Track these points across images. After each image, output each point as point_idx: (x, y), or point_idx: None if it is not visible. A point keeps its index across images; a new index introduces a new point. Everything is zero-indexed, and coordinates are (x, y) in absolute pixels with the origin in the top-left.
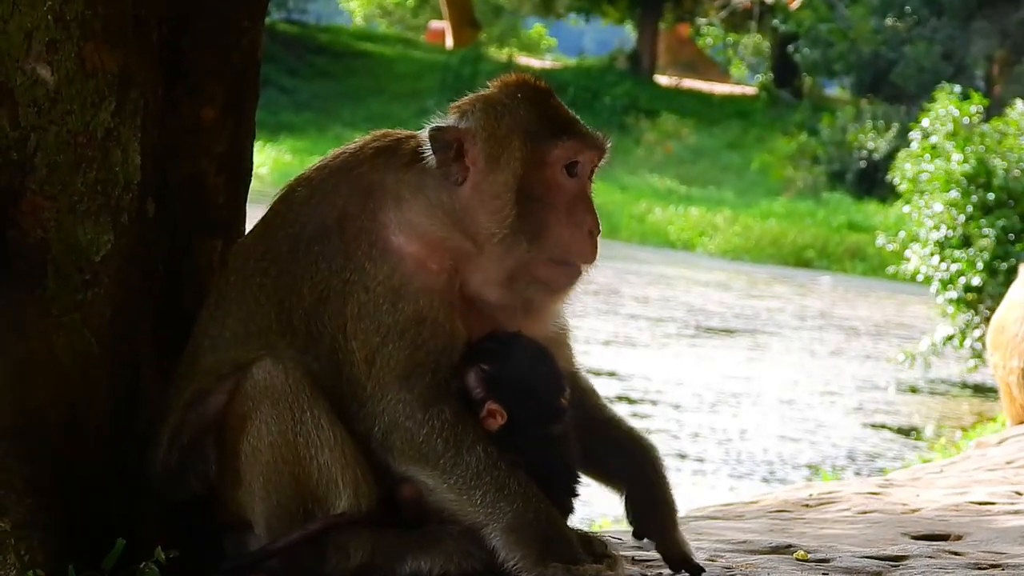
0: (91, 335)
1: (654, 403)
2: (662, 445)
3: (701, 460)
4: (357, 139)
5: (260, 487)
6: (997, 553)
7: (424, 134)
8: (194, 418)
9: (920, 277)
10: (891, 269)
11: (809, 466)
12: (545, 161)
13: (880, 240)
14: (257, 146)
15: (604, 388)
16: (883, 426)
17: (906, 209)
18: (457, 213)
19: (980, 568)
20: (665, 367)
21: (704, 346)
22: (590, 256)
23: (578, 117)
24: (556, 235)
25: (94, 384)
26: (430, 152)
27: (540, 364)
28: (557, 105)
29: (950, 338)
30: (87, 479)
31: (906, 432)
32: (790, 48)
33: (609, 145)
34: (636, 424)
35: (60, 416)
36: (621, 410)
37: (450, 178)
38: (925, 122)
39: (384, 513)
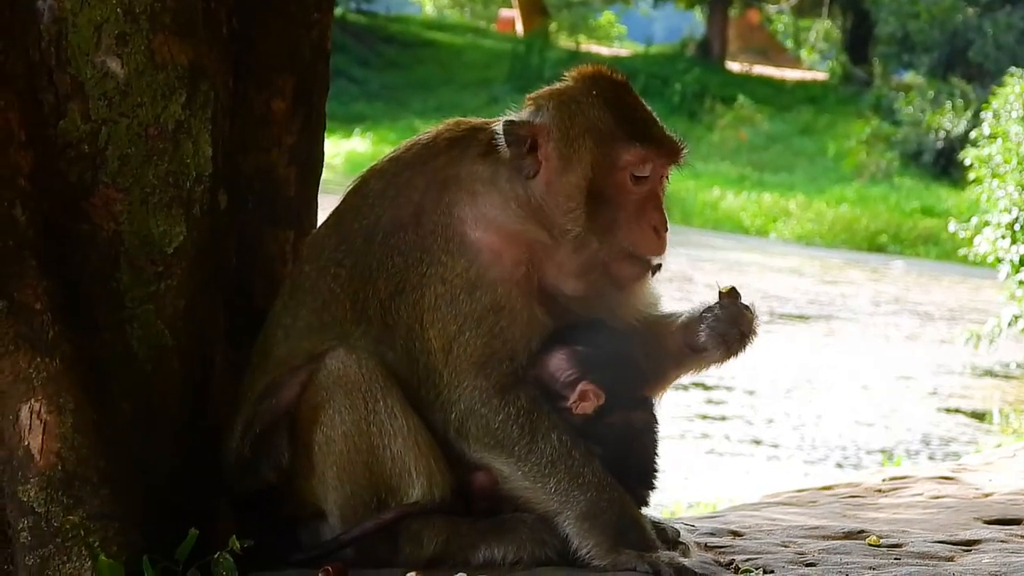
0: (164, 327)
1: (729, 389)
2: (737, 431)
3: (775, 446)
4: (430, 129)
5: (333, 477)
6: None
7: (499, 127)
8: (267, 409)
9: (990, 259)
10: (963, 251)
11: (883, 451)
12: (616, 164)
13: (952, 226)
14: (330, 138)
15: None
16: (957, 410)
17: (978, 190)
18: (531, 205)
19: None
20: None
21: (778, 332)
22: (657, 251)
23: (655, 116)
24: (624, 234)
25: (167, 376)
26: (503, 144)
27: (624, 347)
28: (633, 104)
29: (1017, 319)
30: (161, 471)
31: (980, 416)
32: (871, 19)
33: (685, 150)
34: (710, 411)
35: (134, 408)
36: (696, 397)
37: (523, 171)
38: (995, 104)
39: (458, 502)
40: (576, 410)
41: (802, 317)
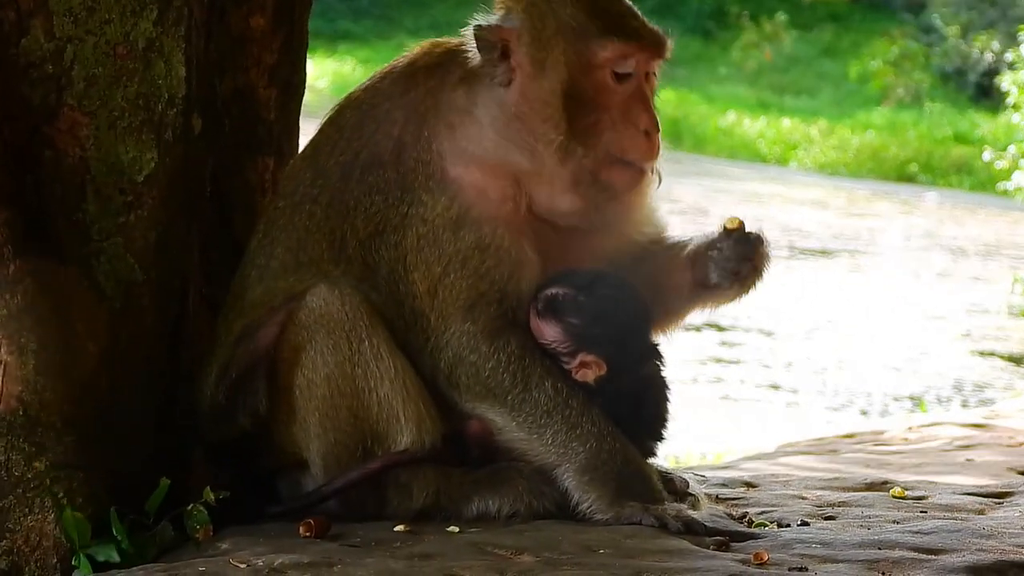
0: (134, 261)
1: (745, 331)
2: (753, 375)
3: (795, 391)
4: (405, 54)
5: (316, 423)
6: None
7: (468, 32)
8: (244, 352)
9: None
10: (1001, 186)
11: (912, 397)
12: (592, 63)
13: (987, 155)
14: (315, 57)
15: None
16: (992, 353)
17: (1016, 119)
18: (510, 127)
19: None
20: (757, 292)
21: (799, 269)
22: (648, 155)
23: (634, 9)
24: (609, 137)
25: (138, 314)
26: (475, 51)
27: (627, 306)
28: None
29: None
30: (131, 417)
31: (1017, 360)
32: None
33: (669, 43)
34: (725, 354)
35: (101, 349)
36: (710, 338)
37: (495, 79)
38: None
39: (451, 451)
40: (577, 377)
41: (825, 252)
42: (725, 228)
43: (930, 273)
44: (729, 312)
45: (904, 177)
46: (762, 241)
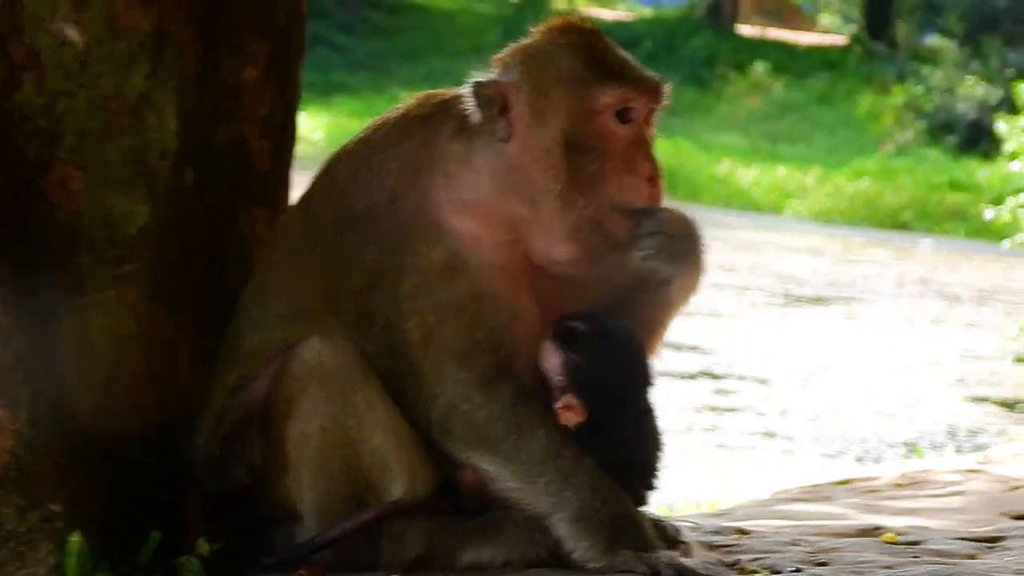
0: (127, 314)
1: (740, 378)
2: (748, 423)
3: (790, 439)
4: (398, 106)
5: (309, 474)
6: None
7: (466, 90)
8: (238, 404)
9: None
10: (1005, 244)
11: (906, 443)
12: (593, 109)
13: (988, 214)
14: (309, 109)
15: (686, 363)
16: (986, 399)
17: (1015, 167)
18: (508, 177)
19: None
20: (752, 339)
21: (794, 316)
22: (652, 200)
23: (631, 59)
24: (612, 185)
25: (131, 366)
26: (473, 109)
27: (630, 363)
28: (605, 48)
29: None
30: (124, 468)
31: (1011, 405)
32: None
33: (666, 87)
34: (720, 402)
35: (94, 401)
36: (705, 386)
37: (496, 135)
38: None
39: (443, 500)
40: (560, 419)
41: (820, 300)
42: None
43: (924, 319)
44: (724, 360)
45: (899, 224)
46: (671, 212)
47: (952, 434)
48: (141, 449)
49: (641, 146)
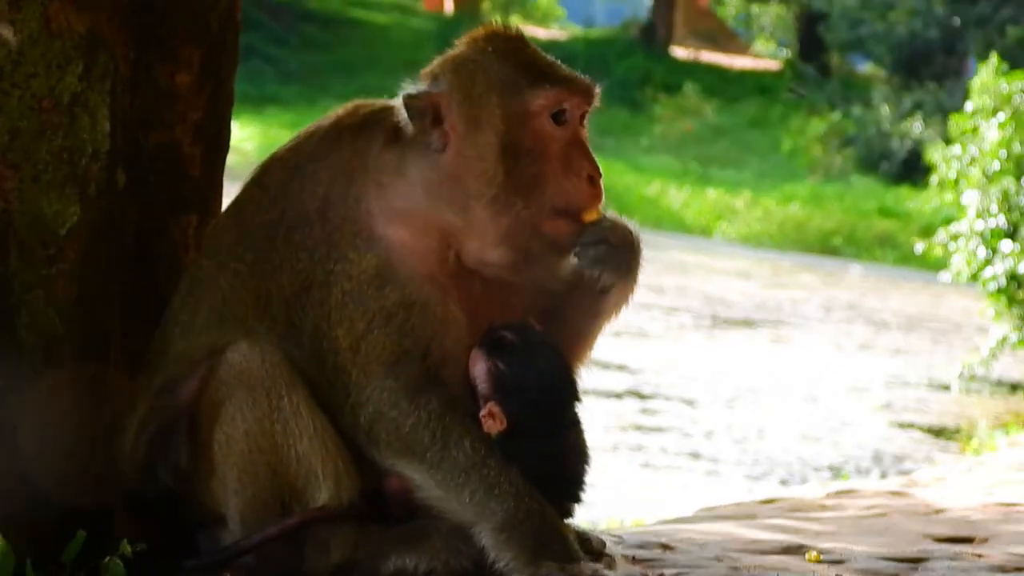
0: (55, 314)
1: (667, 399)
2: (674, 444)
3: (715, 460)
4: (328, 115)
5: (234, 479)
6: (1022, 555)
7: (398, 103)
8: (164, 406)
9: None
10: (943, 276)
11: (831, 467)
12: (528, 113)
13: (919, 247)
14: (242, 120)
15: (613, 382)
16: (912, 425)
17: (948, 197)
18: (442, 186)
19: (1004, 571)
20: (679, 360)
21: (722, 339)
22: (594, 201)
23: (558, 62)
24: (551, 187)
25: (58, 367)
26: (406, 121)
27: (555, 375)
28: (533, 52)
29: (1004, 341)
30: (48, 470)
31: (937, 432)
32: (819, 27)
33: (597, 88)
34: (646, 421)
35: (19, 402)
36: (631, 406)
37: (431, 146)
38: (968, 105)
39: (369, 507)
40: (483, 426)
41: (748, 323)
42: (586, 222)
43: (852, 345)
44: (651, 380)
45: (828, 250)
46: (621, 222)
47: (878, 459)
48: (66, 451)
49: (578, 146)
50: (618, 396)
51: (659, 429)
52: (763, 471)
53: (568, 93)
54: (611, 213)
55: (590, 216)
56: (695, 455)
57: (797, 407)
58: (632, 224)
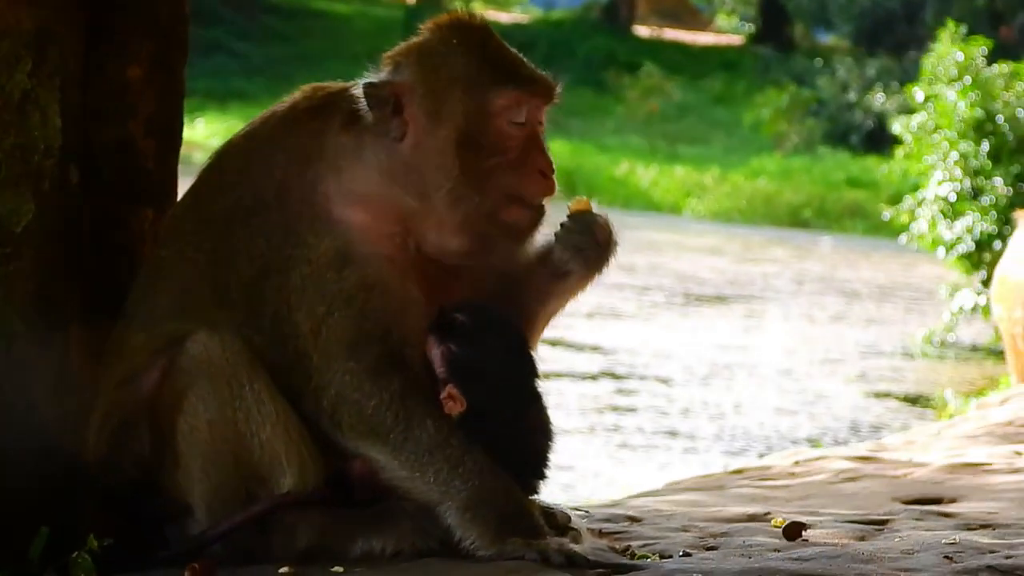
0: (13, 312)
1: (641, 378)
2: (650, 423)
3: (692, 437)
4: (285, 99)
5: (199, 468)
6: (990, 513)
7: (358, 90)
8: (126, 398)
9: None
10: (903, 239)
11: (809, 440)
12: (489, 112)
13: (887, 214)
14: (207, 115)
15: (587, 364)
16: (888, 394)
17: (914, 165)
18: (400, 173)
19: (970, 528)
20: (653, 339)
21: (695, 316)
22: (547, 191)
23: (522, 57)
24: (506, 180)
25: (19, 365)
26: (366, 109)
27: (510, 354)
28: (497, 47)
29: (962, 310)
30: (14, 466)
31: (913, 400)
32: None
33: (558, 89)
34: (621, 402)
35: None
36: (605, 387)
37: (389, 135)
38: (929, 65)
39: (334, 492)
40: (445, 408)
41: (720, 299)
42: (569, 209)
43: (825, 317)
44: (625, 360)
45: (798, 223)
46: (606, 220)
47: (855, 429)
48: (30, 447)
49: (534, 142)
50: (593, 378)
51: (635, 409)
52: (741, 446)
53: (530, 95)
54: (598, 210)
55: (578, 206)
56: (672, 433)
57: (772, 381)
58: (614, 224)
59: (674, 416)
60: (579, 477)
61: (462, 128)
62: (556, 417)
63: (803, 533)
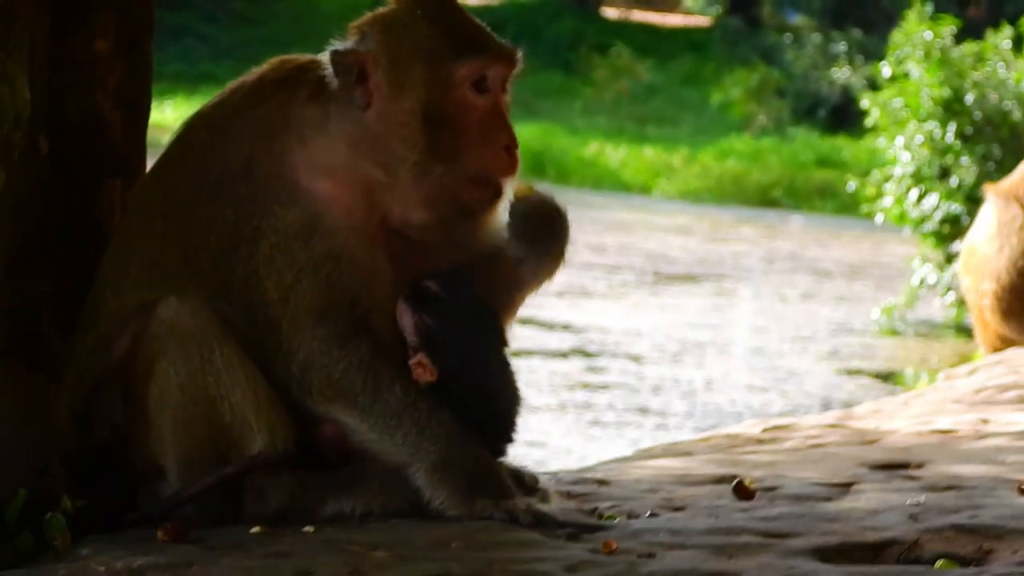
0: None
1: (612, 356)
2: (621, 400)
3: (663, 414)
4: (254, 70)
5: (170, 432)
6: (954, 476)
7: (324, 58)
8: (97, 364)
9: (895, 214)
10: (879, 219)
11: (780, 416)
12: (451, 82)
13: (851, 185)
14: (176, 99)
15: (558, 342)
16: (859, 371)
17: (881, 142)
18: (365, 143)
19: (935, 490)
20: (623, 318)
21: (665, 294)
22: (509, 170)
23: (485, 27)
24: (471, 155)
25: None
26: (331, 76)
27: (480, 324)
28: (460, 18)
29: (925, 284)
30: None
31: (884, 377)
32: None
33: (520, 55)
34: (592, 379)
35: None
36: (576, 365)
37: (354, 103)
38: (898, 42)
39: (305, 455)
40: (413, 375)
41: (691, 278)
42: (514, 197)
43: (795, 295)
44: (596, 339)
45: (768, 202)
46: (552, 200)
47: (826, 406)
48: (4, 415)
49: (497, 115)
50: (563, 355)
51: (606, 386)
52: (712, 423)
53: (490, 62)
54: (542, 190)
55: (522, 191)
56: (643, 410)
57: (743, 359)
58: (561, 203)
59: (645, 393)
60: (550, 454)
61: (424, 99)
62: (527, 395)
63: (755, 496)
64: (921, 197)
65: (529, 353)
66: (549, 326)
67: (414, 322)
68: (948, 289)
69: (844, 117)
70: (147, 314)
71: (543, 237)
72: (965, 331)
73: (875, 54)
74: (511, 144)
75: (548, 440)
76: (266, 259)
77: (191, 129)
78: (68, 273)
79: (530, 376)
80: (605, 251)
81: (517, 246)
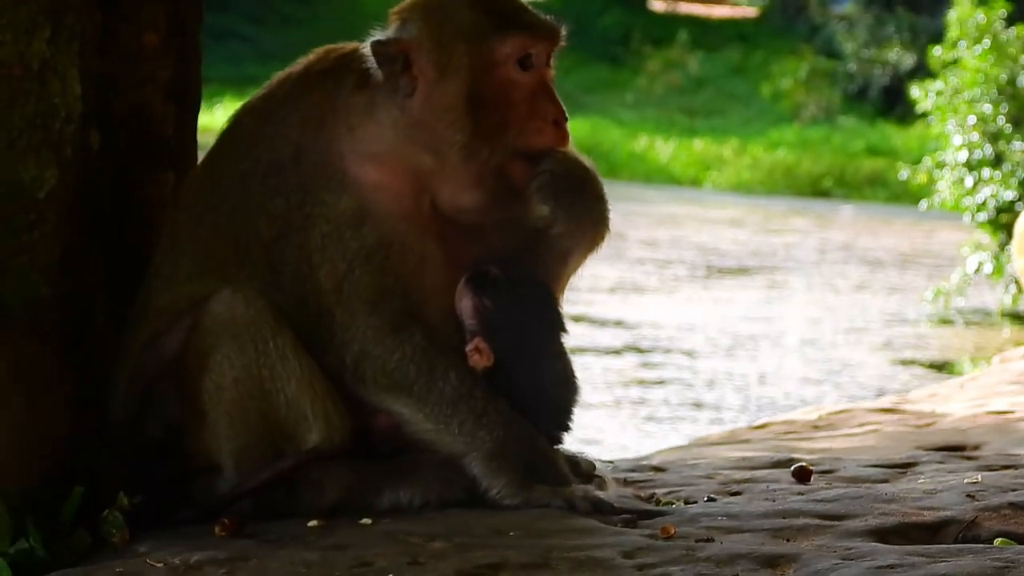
0: (40, 278)
1: (666, 351)
2: (675, 395)
3: (718, 408)
4: (300, 60)
5: (226, 426)
6: (1011, 455)
7: (367, 49)
8: (151, 360)
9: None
10: (923, 205)
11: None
12: (494, 60)
13: (903, 174)
14: (224, 102)
15: (611, 339)
16: (913, 361)
17: (932, 121)
18: (412, 129)
19: (992, 470)
20: (676, 313)
21: (718, 288)
22: (560, 144)
23: (526, 5)
24: (518, 132)
25: (45, 330)
26: (375, 67)
27: (539, 309)
28: None
29: (979, 269)
30: (42, 430)
31: (939, 367)
32: None
33: (563, 31)
34: (647, 375)
35: (9, 365)
36: (630, 361)
37: (400, 92)
38: (952, 28)
39: (360, 446)
40: (469, 361)
41: (743, 270)
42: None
43: (848, 286)
44: (649, 335)
45: (818, 192)
46: (582, 160)
47: (881, 397)
48: (58, 410)
49: (544, 90)
50: (617, 352)
51: (660, 382)
52: (767, 417)
53: (533, 38)
54: (571, 150)
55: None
56: (698, 405)
57: (797, 351)
58: (587, 160)
59: (699, 388)
60: (606, 450)
61: (469, 80)
62: (582, 392)
63: (812, 479)
64: (976, 185)
65: (583, 350)
66: (602, 323)
67: (474, 305)
68: (1001, 273)
69: (895, 101)
70: (200, 308)
71: (572, 192)
72: (1021, 319)
73: (925, 35)
74: (559, 117)
75: (603, 437)
76: (318, 248)
77: (239, 121)
78: (120, 268)
79: (584, 373)
80: (657, 245)
81: (547, 205)
